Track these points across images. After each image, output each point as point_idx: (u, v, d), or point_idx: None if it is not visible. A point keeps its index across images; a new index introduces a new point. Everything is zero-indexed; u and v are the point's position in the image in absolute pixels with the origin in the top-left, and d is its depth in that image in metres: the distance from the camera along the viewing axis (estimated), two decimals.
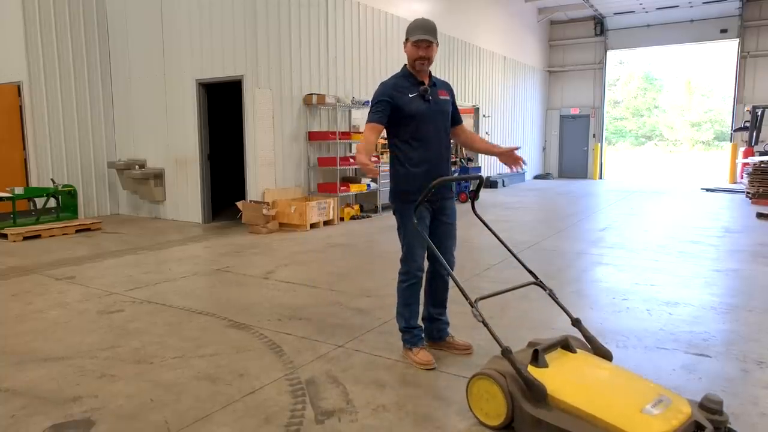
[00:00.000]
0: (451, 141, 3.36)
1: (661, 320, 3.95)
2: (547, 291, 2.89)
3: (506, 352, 2.40)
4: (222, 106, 10.55)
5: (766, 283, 4.99)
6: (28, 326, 3.86)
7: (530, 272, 2.93)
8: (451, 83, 3.51)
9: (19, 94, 8.47)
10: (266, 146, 8.28)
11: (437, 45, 3.12)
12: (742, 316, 4.07)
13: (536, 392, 2.29)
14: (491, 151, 3.39)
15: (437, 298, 3.34)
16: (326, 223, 8.46)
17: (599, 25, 17.92)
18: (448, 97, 3.23)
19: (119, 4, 9.18)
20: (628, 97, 41.76)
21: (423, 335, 3.29)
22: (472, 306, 2.58)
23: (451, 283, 3.23)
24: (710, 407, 2.21)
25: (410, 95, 3.10)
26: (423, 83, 3.15)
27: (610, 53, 18.37)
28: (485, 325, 2.55)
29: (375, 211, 9.89)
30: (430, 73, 3.22)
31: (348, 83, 9.77)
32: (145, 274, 5.36)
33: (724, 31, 16.26)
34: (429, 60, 3.10)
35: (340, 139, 8.92)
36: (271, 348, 3.44)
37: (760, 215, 8.90)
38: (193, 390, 2.85)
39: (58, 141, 8.77)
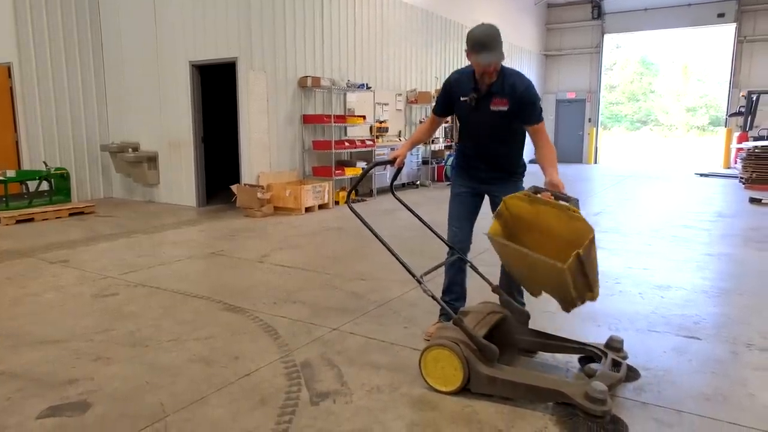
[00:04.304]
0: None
1: (653, 303, 3.99)
2: (468, 264, 3.23)
3: (458, 322, 2.63)
4: (216, 88, 10.44)
5: (758, 267, 5.04)
6: (22, 309, 3.86)
7: (451, 248, 3.26)
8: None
9: (9, 76, 8.35)
10: (261, 129, 8.22)
11: (502, 55, 2.82)
12: (732, 299, 4.11)
13: (489, 354, 2.54)
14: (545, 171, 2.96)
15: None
16: (321, 206, 8.45)
17: (597, 8, 17.77)
18: (503, 108, 2.92)
19: None
20: (624, 81, 41.56)
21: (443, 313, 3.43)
22: (419, 283, 2.79)
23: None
24: (615, 346, 2.70)
25: (461, 98, 3.03)
26: (478, 89, 2.96)
27: (607, 37, 18.26)
28: (434, 298, 2.83)
29: (370, 194, 9.88)
30: (502, 70, 2.92)
31: (343, 66, 9.67)
32: (140, 258, 5.35)
33: (721, 15, 16.16)
34: (493, 72, 2.87)
35: (335, 122, 8.86)
36: (266, 331, 3.45)
37: (753, 200, 8.95)
38: (188, 372, 2.87)
39: (50, 123, 8.67)
